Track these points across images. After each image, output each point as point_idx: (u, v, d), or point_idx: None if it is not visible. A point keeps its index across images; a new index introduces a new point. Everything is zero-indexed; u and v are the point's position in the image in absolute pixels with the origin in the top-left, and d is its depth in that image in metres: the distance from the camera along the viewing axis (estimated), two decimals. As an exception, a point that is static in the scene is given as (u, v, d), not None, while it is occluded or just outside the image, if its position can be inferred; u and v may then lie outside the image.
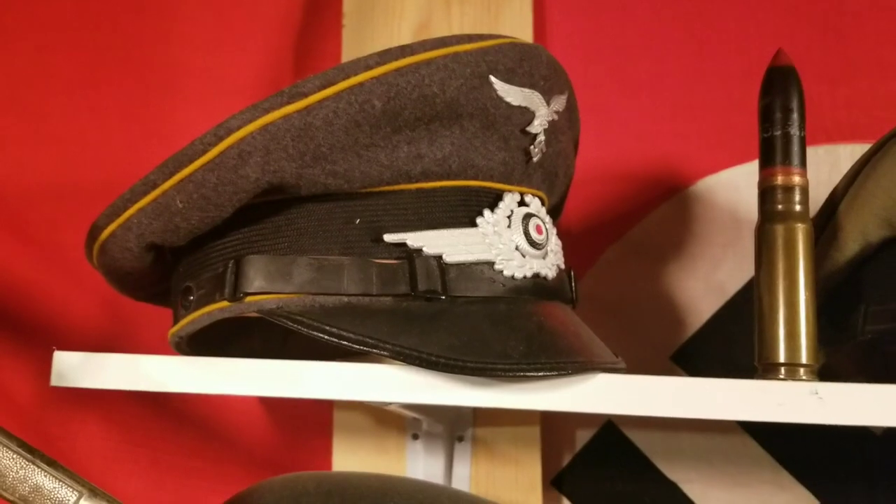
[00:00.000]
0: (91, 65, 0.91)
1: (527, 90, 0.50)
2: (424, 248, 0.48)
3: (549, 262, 0.53)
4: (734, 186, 0.84)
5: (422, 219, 0.49)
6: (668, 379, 0.47)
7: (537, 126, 0.51)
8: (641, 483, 0.79)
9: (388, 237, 0.48)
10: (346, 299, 0.47)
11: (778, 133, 0.51)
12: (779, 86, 0.51)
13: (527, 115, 0.51)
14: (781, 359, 0.48)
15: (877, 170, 0.55)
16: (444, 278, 0.48)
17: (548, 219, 0.54)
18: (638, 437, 0.80)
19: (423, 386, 0.47)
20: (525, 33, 0.84)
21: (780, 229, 0.50)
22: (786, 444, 0.77)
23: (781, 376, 0.48)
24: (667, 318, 0.84)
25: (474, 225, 0.50)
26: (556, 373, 0.46)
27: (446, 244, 0.49)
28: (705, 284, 0.83)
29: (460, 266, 0.49)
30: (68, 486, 0.37)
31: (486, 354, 0.46)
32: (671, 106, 0.85)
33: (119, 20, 0.91)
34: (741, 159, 0.84)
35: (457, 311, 0.48)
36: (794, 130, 0.51)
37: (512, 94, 0.50)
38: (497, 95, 0.49)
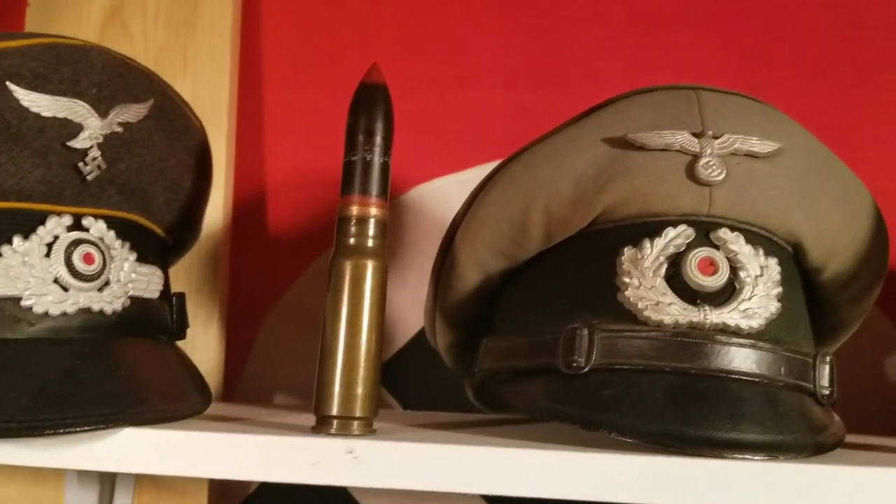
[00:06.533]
0: None
1: (65, 99, 0.44)
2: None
3: (111, 294, 0.47)
4: (446, 196, 0.80)
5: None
6: (207, 435, 0.42)
7: (85, 140, 0.45)
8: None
9: None
10: None
11: (357, 158, 0.46)
12: (364, 105, 0.46)
13: (70, 127, 0.45)
14: (335, 411, 0.43)
15: (488, 196, 0.51)
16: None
17: (117, 243, 0.48)
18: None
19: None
20: (224, 22, 0.77)
21: (348, 265, 0.45)
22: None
23: (333, 431, 0.43)
24: (373, 332, 0.80)
25: (-1, 255, 0.43)
26: (52, 431, 0.40)
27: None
28: (414, 297, 0.79)
29: (-27, 304, 0.42)
30: None
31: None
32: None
33: None
34: (454, 168, 0.80)
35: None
36: (377, 157, 0.46)
37: (42, 104, 0.43)
38: (20, 105, 0.43)
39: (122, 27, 0.77)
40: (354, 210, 0.46)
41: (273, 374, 0.78)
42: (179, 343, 0.54)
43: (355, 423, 0.44)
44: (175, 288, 0.66)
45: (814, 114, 0.78)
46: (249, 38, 0.81)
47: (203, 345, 0.73)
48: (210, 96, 0.75)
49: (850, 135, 0.78)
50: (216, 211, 0.74)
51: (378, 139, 0.46)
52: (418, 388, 0.79)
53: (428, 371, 0.78)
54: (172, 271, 0.65)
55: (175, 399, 0.47)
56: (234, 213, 0.78)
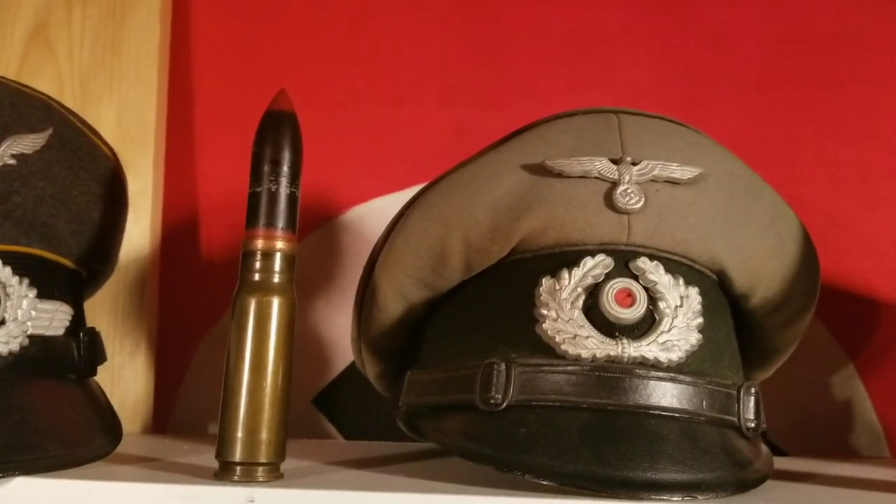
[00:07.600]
0: None
1: (-52, 134, 0.42)
2: None
3: (7, 334, 0.45)
4: (384, 216, 0.78)
5: None
6: (101, 484, 0.40)
7: (-28, 175, 0.43)
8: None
9: None
10: None
11: (262, 189, 0.44)
12: (270, 134, 0.45)
13: (-44, 161, 0.42)
14: (238, 457, 0.41)
15: (406, 225, 0.49)
16: None
17: (14, 280, 0.45)
18: None
19: None
20: (152, 41, 0.75)
21: (253, 302, 0.43)
22: None
23: (236, 478, 0.41)
24: (312, 357, 0.77)
25: None
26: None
27: None
28: (353, 321, 0.78)
29: None
30: None
31: None
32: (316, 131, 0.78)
33: None
34: (393, 188, 0.78)
35: None
36: (283, 188, 0.44)
37: (-76, 139, 0.41)
38: None
39: (47, 47, 0.75)
40: (259, 244, 0.44)
41: (207, 403, 0.75)
42: (103, 374, 0.52)
43: (260, 469, 0.42)
44: (99, 316, 0.63)
45: (753, 130, 0.77)
46: (180, 57, 0.79)
47: (130, 375, 0.70)
48: (137, 117, 0.73)
49: (790, 150, 0.77)
50: (142, 236, 0.72)
51: (285, 169, 0.44)
52: (358, 414, 0.77)
53: (368, 396, 0.76)
54: (96, 299, 0.63)
55: (76, 443, 0.45)
56: (163, 236, 0.76)
